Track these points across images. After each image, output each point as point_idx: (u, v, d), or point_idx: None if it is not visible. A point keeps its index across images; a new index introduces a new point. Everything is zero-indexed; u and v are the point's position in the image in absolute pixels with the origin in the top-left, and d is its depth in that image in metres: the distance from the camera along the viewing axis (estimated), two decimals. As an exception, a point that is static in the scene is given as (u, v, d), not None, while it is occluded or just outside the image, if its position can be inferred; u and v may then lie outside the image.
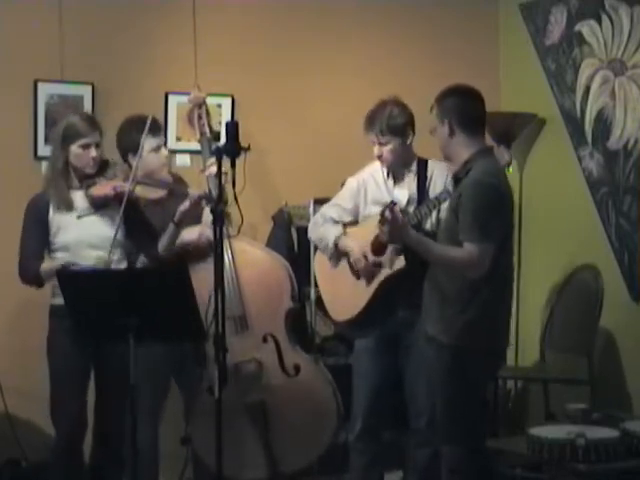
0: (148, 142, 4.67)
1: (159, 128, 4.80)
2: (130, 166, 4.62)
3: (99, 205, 4.40)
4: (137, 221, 4.46)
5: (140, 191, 4.42)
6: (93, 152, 4.39)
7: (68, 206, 4.39)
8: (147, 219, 4.53)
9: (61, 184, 4.39)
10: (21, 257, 4.41)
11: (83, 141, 4.37)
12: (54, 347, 4.40)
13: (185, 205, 4.49)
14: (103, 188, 4.37)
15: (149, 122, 4.44)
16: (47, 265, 4.32)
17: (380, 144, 4.60)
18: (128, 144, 4.68)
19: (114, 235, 4.29)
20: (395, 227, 4.03)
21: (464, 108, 4.11)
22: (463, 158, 4.09)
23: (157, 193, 4.52)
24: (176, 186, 4.63)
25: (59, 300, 4.21)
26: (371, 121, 4.62)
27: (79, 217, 4.40)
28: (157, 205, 4.66)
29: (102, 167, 4.45)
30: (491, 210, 3.97)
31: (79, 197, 4.42)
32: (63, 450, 4.40)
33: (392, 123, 4.57)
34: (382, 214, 4.03)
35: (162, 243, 4.54)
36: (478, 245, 3.93)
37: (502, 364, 4.27)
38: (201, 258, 4.53)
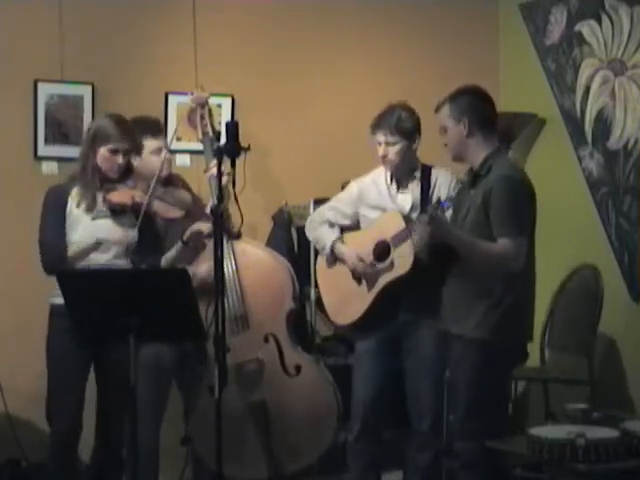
0: (149, 143, 4.68)
1: (160, 129, 4.82)
2: (132, 166, 4.65)
3: (115, 211, 4.40)
4: (148, 232, 4.45)
5: (158, 207, 4.41)
6: (120, 159, 4.38)
7: (92, 206, 4.38)
8: (159, 233, 4.52)
9: (90, 183, 4.38)
10: (42, 241, 4.35)
11: (111, 146, 4.37)
12: (53, 346, 4.40)
13: (199, 227, 4.47)
14: (122, 196, 4.37)
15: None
16: (75, 248, 4.31)
17: (387, 144, 4.60)
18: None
19: (131, 240, 4.32)
20: (442, 225, 4.05)
21: (480, 108, 4.16)
22: (480, 157, 4.13)
23: (174, 212, 4.48)
24: (194, 208, 4.56)
25: (59, 300, 4.21)
26: (379, 122, 4.61)
27: (94, 218, 4.40)
28: (171, 223, 4.62)
29: (126, 173, 4.45)
30: (523, 204, 4.08)
31: (99, 198, 4.42)
32: (58, 449, 4.40)
33: (401, 125, 4.57)
34: (431, 214, 4.03)
35: (166, 259, 4.53)
36: (515, 239, 4.01)
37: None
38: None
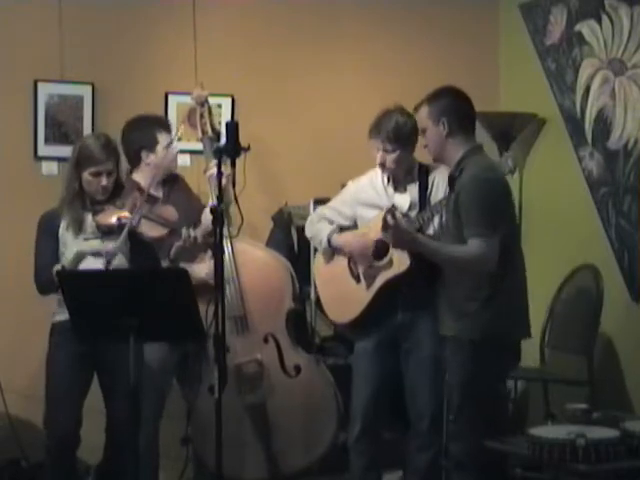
0: (163, 138, 4.70)
1: (170, 126, 4.88)
2: (139, 161, 4.66)
3: (104, 232, 4.40)
4: (142, 250, 4.43)
5: (143, 226, 4.38)
6: (104, 181, 4.36)
7: (78, 228, 4.38)
8: (153, 249, 4.50)
9: (76, 205, 4.38)
10: (36, 269, 4.39)
11: (94, 169, 4.35)
12: (53, 364, 4.40)
13: (179, 244, 4.47)
14: (108, 217, 4.37)
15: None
16: (58, 266, 4.31)
17: (385, 151, 4.58)
18: (142, 140, 4.71)
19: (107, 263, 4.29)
20: (399, 232, 4.03)
21: (459, 108, 4.16)
22: (457, 158, 4.12)
23: (158, 231, 4.44)
24: (179, 225, 4.51)
25: (59, 317, 4.24)
26: (377, 128, 4.58)
27: (85, 239, 4.40)
28: (157, 242, 4.60)
29: (115, 192, 4.43)
30: (492, 204, 4.02)
31: (88, 220, 4.42)
32: (54, 457, 4.41)
33: (399, 132, 4.53)
34: (384, 220, 4.04)
35: None
36: (484, 239, 3.98)
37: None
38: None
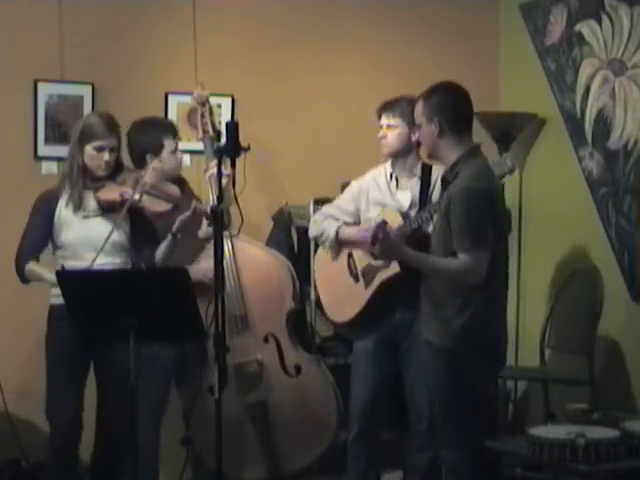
0: (168, 143, 4.69)
1: (177, 131, 4.86)
2: (144, 164, 4.66)
3: (106, 209, 4.40)
4: (142, 228, 4.44)
5: (146, 201, 4.40)
6: (106, 156, 4.38)
7: (79, 204, 4.39)
8: (154, 228, 4.51)
9: (78, 182, 4.39)
10: (19, 248, 4.43)
11: (97, 143, 4.37)
12: (51, 345, 4.41)
13: (185, 215, 4.44)
14: (110, 193, 4.38)
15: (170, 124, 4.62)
16: (34, 267, 4.34)
17: (389, 126, 4.65)
18: (148, 144, 4.70)
19: (106, 238, 4.27)
20: (387, 244, 4.01)
21: (454, 106, 4.03)
22: (451, 159, 4.01)
23: (162, 206, 4.45)
24: (182, 201, 4.52)
25: (57, 300, 4.22)
26: (386, 104, 4.69)
27: (85, 217, 4.40)
28: (160, 217, 4.64)
29: (115, 171, 4.44)
30: (482, 216, 3.91)
31: (89, 197, 4.42)
32: (57, 449, 4.41)
33: (404, 112, 4.62)
34: (374, 235, 4.01)
35: (160, 253, 4.49)
36: (472, 254, 3.88)
37: (501, 365, 4.26)
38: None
